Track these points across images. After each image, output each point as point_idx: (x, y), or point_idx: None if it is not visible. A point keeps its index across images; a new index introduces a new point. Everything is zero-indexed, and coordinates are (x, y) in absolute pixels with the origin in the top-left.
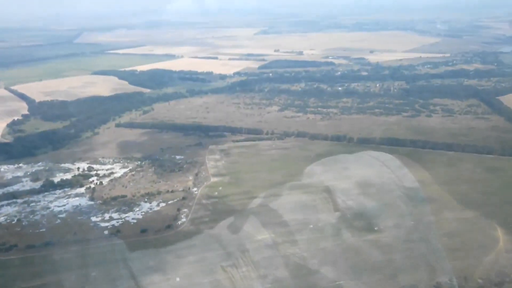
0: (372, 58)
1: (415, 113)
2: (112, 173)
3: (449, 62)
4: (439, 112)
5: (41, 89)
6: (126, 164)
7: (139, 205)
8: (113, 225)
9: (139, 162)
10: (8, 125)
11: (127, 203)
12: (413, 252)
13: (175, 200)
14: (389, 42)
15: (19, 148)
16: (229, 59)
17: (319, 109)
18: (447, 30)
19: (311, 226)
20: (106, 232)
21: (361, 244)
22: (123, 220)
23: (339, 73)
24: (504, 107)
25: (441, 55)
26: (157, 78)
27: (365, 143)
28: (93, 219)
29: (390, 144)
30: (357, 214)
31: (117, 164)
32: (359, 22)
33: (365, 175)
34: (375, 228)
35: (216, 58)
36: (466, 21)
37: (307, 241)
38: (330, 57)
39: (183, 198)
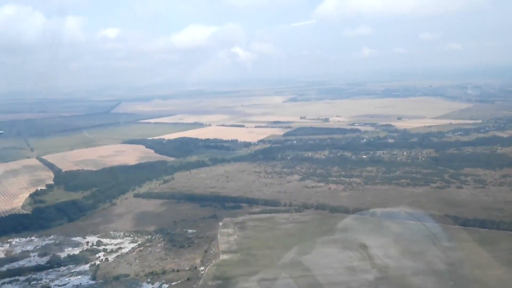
0: (400, 125)
1: (445, 184)
2: (120, 248)
3: (481, 129)
4: (471, 183)
5: (70, 159)
6: (136, 238)
7: (141, 286)
8: None
9: (149, 236)
10: (30, 195)
11: (128, 284)
12: None
13: (179, 281)
14: (417, 108)
15: (35, 220)
16: (256, 126)
17: (341, 178)
18: (478, 96)
19: None
20: None
21: None
22: None
23: (365, 140)
24: None
25: (472, 121)
26: (183, 147)
27: (390, 217)
28: None
29: (417, 219)
30: None
31: (127, 238)
32: (387, 89)
33: (384, 258)
34: None
35: (243, 126)
36: (498, 86)
37: None
38: (356, 124)
39: (188, 279)
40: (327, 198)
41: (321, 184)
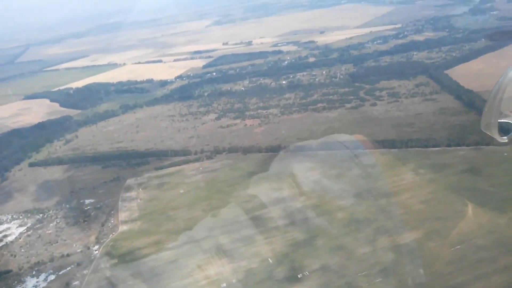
0: (322, 40)
1: (360, 103)
2: (5, 236)
3: (400, 34)
4: (385, 98)
5: None
6: (25, 220)
7: (23, 282)
8: None
9: (40, 215)
10: None
11: (9, 282)
12: None
13: (68, 269)
14: (341, 18)
15: None
16: (175, 60)
17: (259, 111)
18: None
19: (224, 285)
20: None
21: None
22: None
23: (286, 62)
24: (453, 83)
25: (392, 26)
26: (92, 95)
27: (302, 150)
28: None
29: (328, 148)
30: (279, 260)
31: (16, 221)
32: None
33: (287, 201)
34: (299, 276)
35: (161, 61)
36: None
37: None
38: (279, 44)
39: (78, 265)
40: (241, 137)
41: (237, 121)
